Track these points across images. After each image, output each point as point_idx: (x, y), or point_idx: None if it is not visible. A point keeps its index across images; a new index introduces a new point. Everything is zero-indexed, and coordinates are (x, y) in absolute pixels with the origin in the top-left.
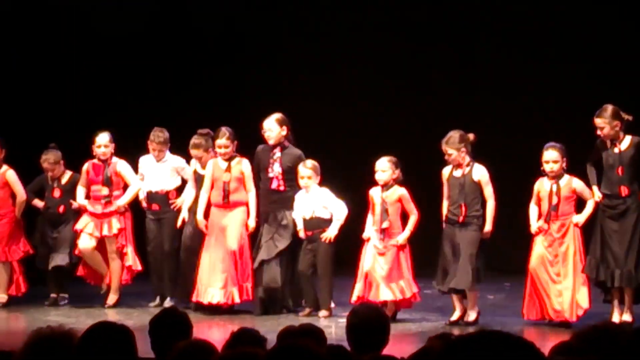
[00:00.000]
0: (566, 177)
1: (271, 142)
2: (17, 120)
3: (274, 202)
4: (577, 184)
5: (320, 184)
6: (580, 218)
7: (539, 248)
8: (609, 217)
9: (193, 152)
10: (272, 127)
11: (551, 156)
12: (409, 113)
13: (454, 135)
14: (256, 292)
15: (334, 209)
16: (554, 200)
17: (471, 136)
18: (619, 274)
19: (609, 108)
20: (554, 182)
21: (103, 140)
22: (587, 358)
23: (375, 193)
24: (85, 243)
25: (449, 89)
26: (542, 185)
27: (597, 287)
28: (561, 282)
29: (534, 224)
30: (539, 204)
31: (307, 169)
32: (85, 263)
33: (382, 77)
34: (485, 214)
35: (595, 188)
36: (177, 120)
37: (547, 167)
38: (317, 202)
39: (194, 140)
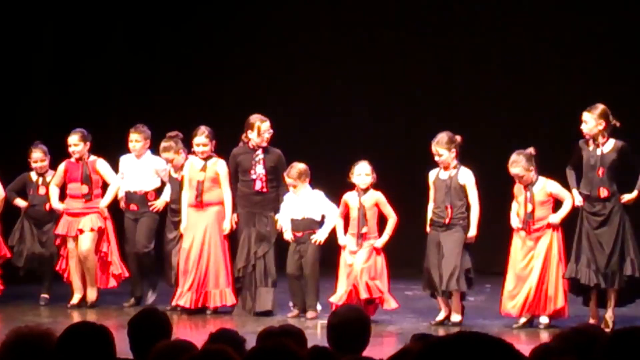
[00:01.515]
0: (540, 181)
1: (264, 144)
2: None
3: (256, 204)
4: (553, 186)
5: (310, 184)
6: (556, 218)
7: (516, 245)
8: (591, 223)
9: (163, 155)
10: (260, 129)
11: (515, 172)
12: (389, 117)
13: (444, 135)
14: (240, 295)
15: (326, 211)
16: (529, 207)
17: (458, 138)
18: (602, 275)
19: (600, 107)
20: (527, 190)
21: (72, 140)
22: (567, 359)
23: (351, 198)
24: (86, 245)
25: (430, 91)
26: (519, 191)
27: (576, 294)
28: (534, 279)
29: (515, 219)
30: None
31: (290, 178)
32: (67, 261)
33: (360, 81)
34: (469, 217)
35: (575, 192)
36: (157, 122)
37: (516, 180)
38: (307, 204)
39: (163, 143)
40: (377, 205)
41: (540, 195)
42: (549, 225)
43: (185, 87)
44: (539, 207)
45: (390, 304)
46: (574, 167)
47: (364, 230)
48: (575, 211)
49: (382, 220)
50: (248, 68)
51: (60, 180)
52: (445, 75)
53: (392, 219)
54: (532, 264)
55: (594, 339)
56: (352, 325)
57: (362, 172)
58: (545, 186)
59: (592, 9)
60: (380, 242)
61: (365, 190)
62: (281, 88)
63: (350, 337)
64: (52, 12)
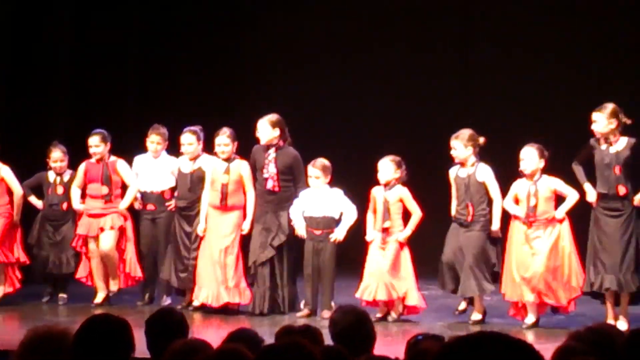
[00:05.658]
0: (544, 177)
1: (262, 142)
2: (10, 119)
3: (269, 202)
4: (556, 183)
5: (330, 184)
6: (561, 212)
7: (517, 238)
8: (606, 218)
9: (185, 136)
10: (264, 128)
11: (523, 153)
12: (415, 113)
13: (465, 132)
14: (254, 292)
15: (344, 209)
16: (532, 202)
17: (482, 139)
18: (614, 279)
19: (610, 106)
20: (532, 184)
21: (93, 142)
22: (584, 359)
23: (377, 192)
24: (107, 243)
25: (455, 88)
26: (520, 187)
27: (594, 298)
28: (539, 267)
29: (516, 209)
30: (517, 204)
31: (315, 169)
32: (85, 265)
33: (387, 76)
34: (491, 213)
35: (588, 186)
36: (172, 124)
37: (521, 165)
38: (327, 202)
39: (188, 128)
40: (401, 200)
41: (543, 191)
42: (554, 219)
43: (201, 87)
44: (543, 202)
45: (414, 300)
46: (580, 163)
47: (386, 224)
48: (584, 210)
49: (407, 216)
50: (266, 67)
51: (82, 182)
52: (468, 73)
53: (416, 214)
54: (537, 252)
55: (610, 338)
56: (351, 327)
57: (380, 168)
58: (549, 183)
59: (604, 7)
60: (402, 236)
61: (389, 185)
62: (300, 86)
63: (351, 338)
64: (72, 14)
